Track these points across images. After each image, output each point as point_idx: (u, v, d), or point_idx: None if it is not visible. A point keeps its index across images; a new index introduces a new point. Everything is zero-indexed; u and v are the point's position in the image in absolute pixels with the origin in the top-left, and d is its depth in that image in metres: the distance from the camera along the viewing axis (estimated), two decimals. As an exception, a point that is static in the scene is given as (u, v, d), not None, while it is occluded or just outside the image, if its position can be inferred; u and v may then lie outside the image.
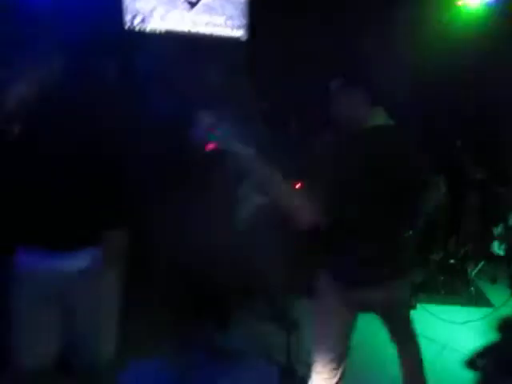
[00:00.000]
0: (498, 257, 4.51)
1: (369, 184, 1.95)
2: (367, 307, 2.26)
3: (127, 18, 4.52)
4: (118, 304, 2.22)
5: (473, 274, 4.66)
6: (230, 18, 5.20)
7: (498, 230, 4.08)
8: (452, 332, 3.75)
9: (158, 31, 4.72)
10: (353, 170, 1.93)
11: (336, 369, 2.25)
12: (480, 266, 4.77)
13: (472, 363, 3.37)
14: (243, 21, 5.27)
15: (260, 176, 1.96)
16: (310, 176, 2.04)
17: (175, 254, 3.12)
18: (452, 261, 4.62)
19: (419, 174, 2.18)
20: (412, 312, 2.48)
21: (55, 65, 2.03)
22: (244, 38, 5.28)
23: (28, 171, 1.92)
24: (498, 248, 2.75)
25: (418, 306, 4.07)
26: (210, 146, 1.97)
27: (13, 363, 2.07)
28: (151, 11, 4.67)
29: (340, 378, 2.26)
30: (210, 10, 5.07)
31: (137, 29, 4.58)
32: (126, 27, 4.50)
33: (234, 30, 5.25)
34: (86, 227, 2.02)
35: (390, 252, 2.15)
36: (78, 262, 2.05)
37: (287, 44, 5.03)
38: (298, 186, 2.03)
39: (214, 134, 1.98)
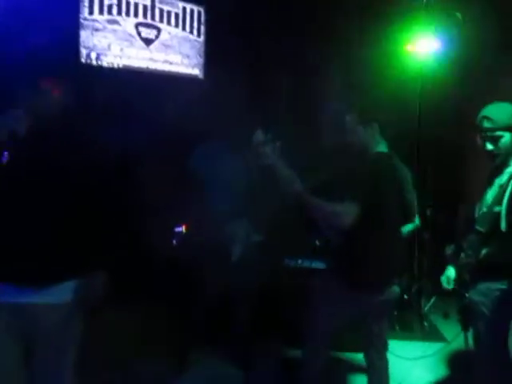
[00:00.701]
0: (449, 292, 4.62)
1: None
2: (366, 309, 2.62)
3: (83, 53, 4.51)
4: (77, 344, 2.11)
5: (426, 308, 4.74)
6: (187, 56, 5.27)
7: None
8: (406, 368, 3.77)
9: (114, 67, 4.71)
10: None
11: None
12: (432, 301, 4.87)
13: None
14: (200, 60, 5.35)
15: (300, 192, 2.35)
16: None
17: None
18: (406, 296, 4.69)
19: None
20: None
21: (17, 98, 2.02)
22: (200, 76, 5.36)
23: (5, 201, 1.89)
24: (446, 283, 2.84)
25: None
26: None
27: None
28: (108, 47, 4.67)
29: None
30: (166, 48, 5.13)
31: (93, 64, 4.56)
32: (82, 62, 4.48)
33: (190, 69, 5.31)
34: (60, 263, 1.95)
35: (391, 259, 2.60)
36: (46, 297, 1.95)
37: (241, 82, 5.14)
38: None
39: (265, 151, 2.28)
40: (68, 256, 1.95)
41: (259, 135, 2.41)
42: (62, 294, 1.99)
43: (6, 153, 1.90)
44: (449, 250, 2.85)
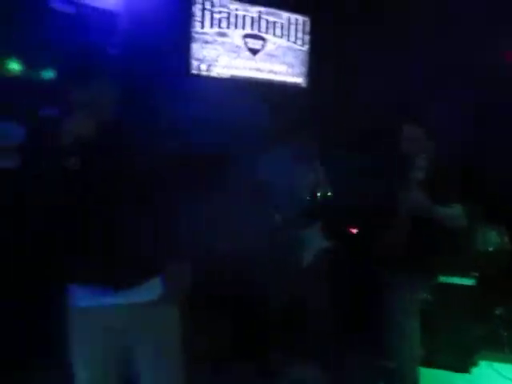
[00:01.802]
0: None
1: None
2: None
3: (194, 64, 4.76)
4: (179, 340, 2.10)
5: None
6: (291, 66, 5.38)
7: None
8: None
9: (222, 77, 4.93)
10: None
11: None
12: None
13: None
14: (303, 69, 5.44)
15: None
16: None
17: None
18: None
19: None
20: (476, 369, 2.49)
21: (127, 108, 2.10)
22: (304, 85, 5.44)
23: (87, 203, 1.86)
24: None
25: (483, 363, 3.89)
26: None
27: None
28: (216, 58, 4.90)
29: None
30: (271, 58, 5.27)
31: (203, 75, 4.80)
32: (193, 73, 4.73)
33: (295, 78, 5.42)
34: (148, 260, 1.93)
35: None
36: (137, 296, 1.94)
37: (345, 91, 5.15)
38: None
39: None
40: (154, 251, 1.95)
41: (410, 129, 2.41)
42: (153, 289, 1.98)
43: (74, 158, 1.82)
44: None
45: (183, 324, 2.13)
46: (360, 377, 3.33)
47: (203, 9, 4.79)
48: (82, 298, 1.93)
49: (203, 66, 4.82)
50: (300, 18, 5.38)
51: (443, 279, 3.68)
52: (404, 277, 2.84)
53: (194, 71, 4.76)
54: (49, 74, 4.17)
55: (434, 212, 2.70)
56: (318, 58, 5.42)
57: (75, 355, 1.95)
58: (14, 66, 4.11)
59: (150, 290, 1.97)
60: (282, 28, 5.28)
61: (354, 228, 3.44)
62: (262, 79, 5.20)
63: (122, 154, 1.91)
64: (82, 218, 1.85)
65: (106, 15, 4.19)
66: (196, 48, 4.76)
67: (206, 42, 4.82)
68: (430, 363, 3.57)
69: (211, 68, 4.86)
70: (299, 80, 5.45)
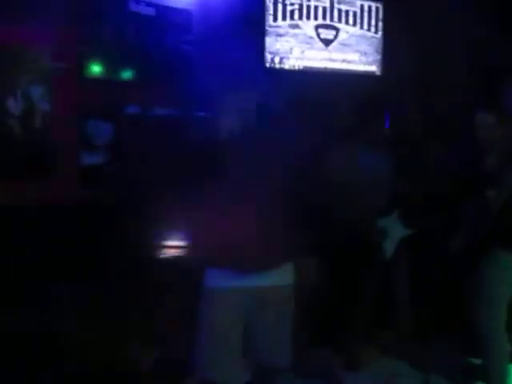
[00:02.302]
0: None
1: None
2: None
3: (268, 58, 4.82)
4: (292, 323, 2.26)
5: None
6: (364, 54, 5.32)
7: None
8: None
9: (296, 69, 4.96)
10: None
11: None
12: None
13: None
14: (377, 56, 5.36)
15: None
16: None
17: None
18: None
19: None
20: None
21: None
22: (378, 73, 5.37)
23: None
24: None
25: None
26: None
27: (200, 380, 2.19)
28: (289, 50, 4.93)
29: None
30: (344, 47, 5.23)
31: (276, 67, 4.85)
32: (267, 66, 4.79)
33: (367, 66, 5.35)
34: (279, 247, 2.11)
35: None
36: (269, 279, 2.12)
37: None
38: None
39: None
40: (285, 240, 2.10)
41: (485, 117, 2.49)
42: (283, 276, 2.17)
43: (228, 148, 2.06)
44: None
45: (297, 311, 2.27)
46: (446, 373, 3.27)
47: (275, 2, 4.83)
48: (217, 279, 2.14)
49: (277, 59, 4.86)
50: (373, 5, 5.30)
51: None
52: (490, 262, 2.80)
53: (268, 64, 4.81)
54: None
55: None
56: (392, 45, 5.32)
57: (204, 326, 2.17)
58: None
59: (277, 277, 2.15)
60: (354, 16, 5.23)
61: (430, 216, 3.39)
62: (335, 69, 5.18)
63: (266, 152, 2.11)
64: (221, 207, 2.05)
65: (184, 15, 4.34)
66: (270, 41, 4.82)
67: (279, 35, 4.86)
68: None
69: (284, 61, 4.90)
70: (373, 68, 5.38)
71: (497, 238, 2.77)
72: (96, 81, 4.10)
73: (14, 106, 3.74)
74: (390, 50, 5.36)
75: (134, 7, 4.23)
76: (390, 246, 3.29)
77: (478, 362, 3.05)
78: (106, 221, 3.41)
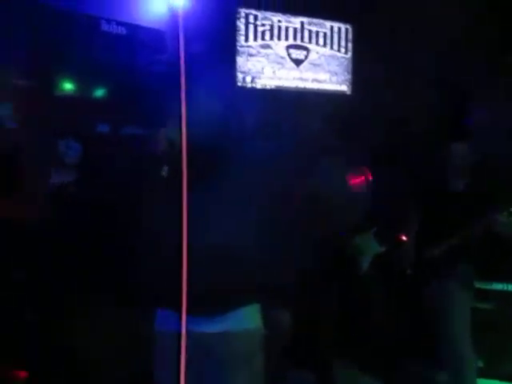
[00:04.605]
0: None
1: None
2: None
3: (239, 77, 4.86)
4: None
5: None
6: (335, 73, 5.41)
7: None
8: None
9: (267, 88, 5.01)
10: None
11: None
12: None
13: None
14: (347, 76, 5.46)
15: None
16: None
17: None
18: None
19: None
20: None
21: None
22: (348, 93, 5.46)
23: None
24: None
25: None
26: None
27: None
28: (261, 70, 4.99)
29: None
30: (315, 67, 5.32)
31: (248, 86, 4.90)
32: (239, 85, 4.83)
33: (338, 86, 5.44)
34: (236, 288, 1.82)
35: None
36: (220, 325, 1.85)
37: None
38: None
39: None
40: (245, 279, 1.83)
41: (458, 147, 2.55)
42: (237, 321, 1.87)
43: (166, 167, 1.79)
44: None
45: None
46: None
47: (247, 23, 4.90)
48: (162, 322, 1.91)
49: (248, 78, 4.91)
50: (343, 26, 5.42)
51: (506, 287, 3.55)
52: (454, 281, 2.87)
53: (240, 83, 4.86)
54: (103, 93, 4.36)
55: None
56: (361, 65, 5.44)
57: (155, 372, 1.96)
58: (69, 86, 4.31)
59: (225, 322, 1.86)
60: (324, 37, 5.33)
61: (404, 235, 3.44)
62: (306, 88, 5.25)
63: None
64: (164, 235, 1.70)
65: (156, 34, 4.36)
66: (241, 61, 4.87)
67: (251, 55, 4.92)
68: (489, 374, 3.46)
69: (256, 80, 4.95)
70: (344, 87, 5.47)
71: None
72: (67, 98, 4.08)
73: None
74: (359, 69, 5.47)
75: (104, 26, 4.24)
76: (365, 262, 3.32)
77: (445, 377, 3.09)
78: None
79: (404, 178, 4.20)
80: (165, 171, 1.77)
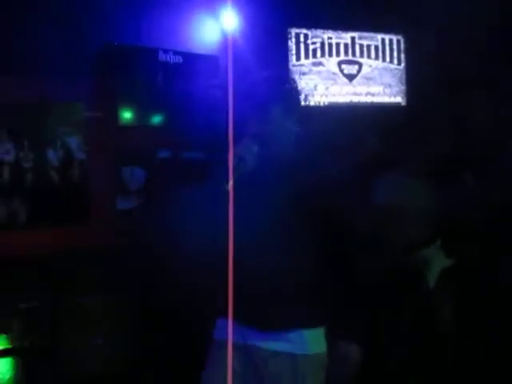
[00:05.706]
0: None
1: None
2: None
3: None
4: None
5: None
6: (389, 86, 5.39)
7: None
8: None
9: (320, 105, 5.06)
10: None
11: None
12: None
13: None
14: (401, 87, 5.43)
15: None
16: None
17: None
18: None
19: None
20: None
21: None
22: (403, 104, 5.42)
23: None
24: None
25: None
26: None
27: None
28: (314, 87, 5.05)
29: None
30: (368, 80, 5.32)
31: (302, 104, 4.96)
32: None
33: (392, 98, 5.41)
34: (293, 307, 1.76)
35: None
36: (270, 343, 1.79)
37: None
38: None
39: None
40: (304, 300, 1.76)
41: None
42: (294, 342, 1.77)
43: (230, 182, 1.73)
44: None
45: None
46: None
47: (297, 42, 4.98)
48: (221, 331, 1.88)
49: (301, 97, 4.97)
50: (394, 38, 5.40)
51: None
52: None
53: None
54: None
55: None
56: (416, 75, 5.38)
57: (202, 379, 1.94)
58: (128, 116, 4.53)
59: (283, 342, 1.77)
60: (376, 50, 5.34)
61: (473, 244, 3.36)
62: (360, 102, 5.26)
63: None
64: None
65: (210, 60, 4.52)
66: (294, 80, 4.94)
67: (303, 74, 4.99)
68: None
69: (309, 98, 5.01)
70: (398, 99, 5.43)
71: None
72: (128, 127, 4.29)
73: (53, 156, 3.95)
74: (414, 80, 5.42)
75: (162, 57, 4.44)
76: (432, 276, 3.24)
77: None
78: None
79: (473, 188, 4.10)
80: (228, 187, 1.69)
